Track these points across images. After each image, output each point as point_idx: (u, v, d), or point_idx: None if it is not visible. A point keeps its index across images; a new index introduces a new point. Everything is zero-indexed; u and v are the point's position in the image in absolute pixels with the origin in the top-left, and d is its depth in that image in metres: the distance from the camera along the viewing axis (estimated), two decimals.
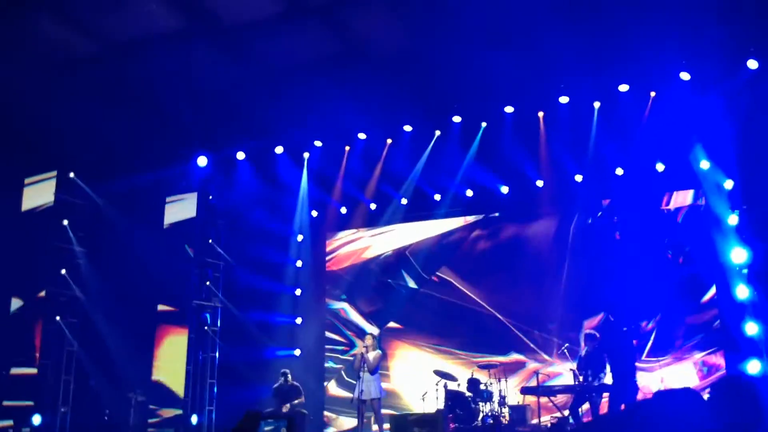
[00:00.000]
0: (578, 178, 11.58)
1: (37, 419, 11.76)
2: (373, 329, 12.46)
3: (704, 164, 10.25)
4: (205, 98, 11.33)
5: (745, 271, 9.78)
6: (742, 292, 9.68)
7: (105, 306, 12.66)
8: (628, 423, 5.18)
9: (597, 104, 10.91)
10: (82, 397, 12.50)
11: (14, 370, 12.20)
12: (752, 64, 9.53)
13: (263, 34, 10.23)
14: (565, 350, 10.52)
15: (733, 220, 9.98)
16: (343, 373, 12.90)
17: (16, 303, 12.66)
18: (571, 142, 11.12)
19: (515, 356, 11.88)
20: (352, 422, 11.14)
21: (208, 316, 12.90)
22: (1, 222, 12.26)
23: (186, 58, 10.78)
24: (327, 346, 13.36)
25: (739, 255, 9.78)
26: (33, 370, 12.27)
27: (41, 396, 12.10)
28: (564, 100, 10.83)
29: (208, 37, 10.43)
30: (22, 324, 12.55)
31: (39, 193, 13.16)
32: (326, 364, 13.24)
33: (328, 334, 13.39)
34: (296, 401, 11.21)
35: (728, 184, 10.06)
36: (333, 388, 13.03)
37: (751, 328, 9.49)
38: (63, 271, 12.81)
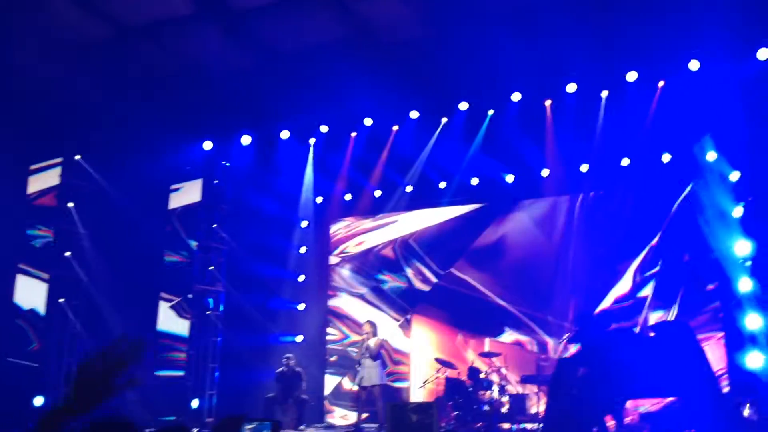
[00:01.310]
0: (584, 168, 11.58)
1: (39, 400, 11.78)
2: (373, 317, 12.45)
3: (711, 155, 10.21)
4: (212, 82, 11.34)
5: (748, 263, 9.73)
6: (745, 284, 9.64)
7: (108, 289, 12.67)
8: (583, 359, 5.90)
9: (605, 93, 10.87)
10: None
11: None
12: (763, 53, 9.47)
13: (271, 18, 10.22)
14: (566, 338, 10.50)
15: (737, 212, 9.93)
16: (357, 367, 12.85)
17: (20, 285, 12.70)
18: (578, 132, 11.08)
19: (520, 339, 11.89)
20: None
21: (210, 300, 12.93)
22: (8, 206, 12.28)
23: (194, 43, 10.81)
24: (329, 338, 13.38)
25: (743, 247, 9.73)
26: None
27: (42, 377, 12.13)
28: (571, 88, 10.79)
29: (216, 22, 10.44)
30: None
31: (45, 179, 13.22)
32: (331, 358, 13.23)
33: (330, 330, 13.42)
34: (299, 388, 11.27)
35: (734, 176, 10.02)
36: (347, 383, 12.85)
37: (754, 321, 9.45)
38: (67, 254, 12.84)
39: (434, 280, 12.79)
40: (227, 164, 13.31)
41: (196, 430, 11.30)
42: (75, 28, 10.46)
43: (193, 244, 13.12)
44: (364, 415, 10.86)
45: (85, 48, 10.82)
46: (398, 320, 12.93)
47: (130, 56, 11.08)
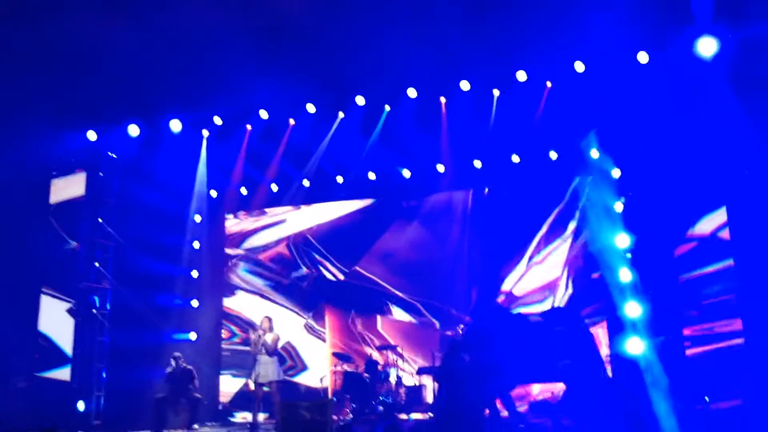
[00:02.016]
0: (477, 164, 11.89)
1: None
2: (273, 314, 12.28)
3: (594, 153, 10.75)
4: (97, 67, 10.73)
5: (628, 255, 10.32)
6: (625, 275, 10.21)
7: None
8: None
9: (496, 92, 11.20)
10: None
11: None
12: (642, 57, 10.06)
13: (167, 2, 9.83)
14: (460, 329, 10.75)
15: (618, 206, 10.51)
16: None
17: None
18: (472, 128, 11.37)
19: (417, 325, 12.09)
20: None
21: (96, 298, 12.31)
22: None
23: (77, 23, 10.18)
24: (225, 335, 13.10)
25: (622, 240, 10.31)
26: None
27: None
28: (465, 86, 11.03)
29: (104, 1, 9.92)
30: None
31: None
32: (224, 353, 12.93)
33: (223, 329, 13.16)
34: (190, 386, 10.97)
35: (616, 173, 10.60)
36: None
37: (633, 309, 10.03)
38: None
39: (341, 276, 12.77)
40: (113, 155, 12.69)
41: None
42: None
43: (73, 244, 12.41)
44: (265, 415, 10.74)
45: None
46: (303, 318, 12.85)
47: (3, 35, 10.32)
